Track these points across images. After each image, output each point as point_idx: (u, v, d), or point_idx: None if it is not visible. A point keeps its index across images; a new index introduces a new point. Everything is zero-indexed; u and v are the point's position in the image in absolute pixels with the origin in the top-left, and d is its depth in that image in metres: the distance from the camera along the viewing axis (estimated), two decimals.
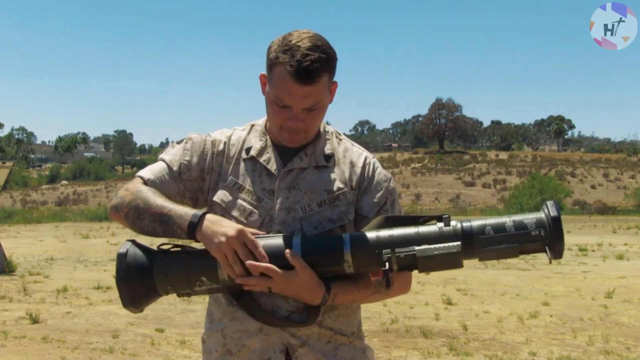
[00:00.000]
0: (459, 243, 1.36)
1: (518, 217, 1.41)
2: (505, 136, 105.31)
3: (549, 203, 1.41)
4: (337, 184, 1.58)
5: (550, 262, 1.43)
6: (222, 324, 1.58)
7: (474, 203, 44.14)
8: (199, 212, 1.46)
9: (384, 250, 1.39)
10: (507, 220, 1.40)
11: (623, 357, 5.52)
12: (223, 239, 1.40)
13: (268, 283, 1.42)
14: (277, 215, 1.54)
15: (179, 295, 1.52)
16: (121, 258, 1.45)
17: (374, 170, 1.62)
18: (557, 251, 1.38)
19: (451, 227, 1.40)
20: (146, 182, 1.55)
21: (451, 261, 1.36)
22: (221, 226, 1.42)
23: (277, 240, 1.44)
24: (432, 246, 1.37)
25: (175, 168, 1.58)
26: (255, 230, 1.47)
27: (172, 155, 1.60)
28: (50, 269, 11.78)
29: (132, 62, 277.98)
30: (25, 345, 5.87)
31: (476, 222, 1.41)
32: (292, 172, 1.57)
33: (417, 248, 1.37)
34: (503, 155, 74.43)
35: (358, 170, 1.61)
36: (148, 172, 1.58)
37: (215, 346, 1.59)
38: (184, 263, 1.45)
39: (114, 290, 9.16)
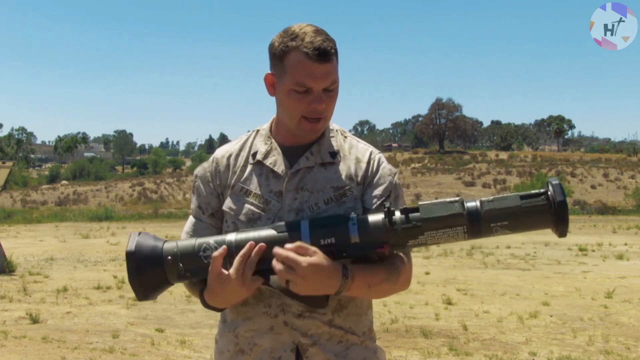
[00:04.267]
0: (460, 203, 1.41)
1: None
2: (505, 136, 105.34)
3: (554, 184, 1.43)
4: (344, 180, 1.58)
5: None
6: (235, 324, 1.59)
7: None
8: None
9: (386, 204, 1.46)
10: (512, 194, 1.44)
11: (623, 357, 5.52)
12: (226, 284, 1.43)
13: (289, 275, 1.38)
14: (285, 217, 1.54)
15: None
16: (130, 256, 1.45)
17: (378, 165, 1.63)
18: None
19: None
20: None
21: (452, 217, 1.40)
22: (216, 288, 1.46)
23: (282, 229, 1.45)
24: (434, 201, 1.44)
25: (204, 213, 1.65)
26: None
27: (193, 204, 1.68)
28: (50, 269, 11.77)
29: (133, 62, 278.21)
30: (25, 345, 5.86)
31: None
32: (299, 173, 1.58)
33: (420, 203, 1.44)
34: (503, 155, 74.39)
35: (363, 165, 1.62)
36: (184, 235, 1.67)
37: (227, 346, 1.60)
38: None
39: (114, 290, 9.17)
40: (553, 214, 1.39)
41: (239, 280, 1.41)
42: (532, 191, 1.42)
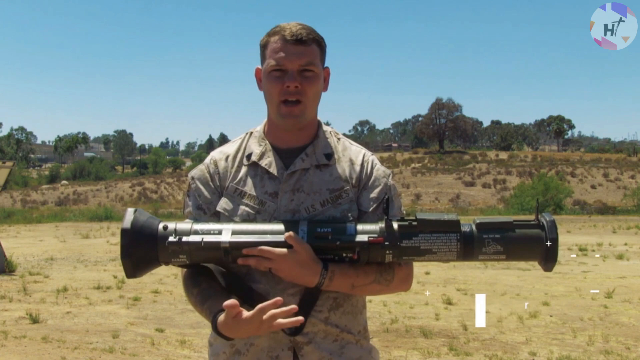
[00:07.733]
0: (456, 215, 1.49)
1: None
2: (505, 136, 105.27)
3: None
4: (339, 182, 1.60)
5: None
6: None
7: (474, 203, 44.11)
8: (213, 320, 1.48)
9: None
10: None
11: (623, 357, 5.53)
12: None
13: (267, 263, 1.45)
14: (281, 217, 1.56)
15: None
16: (125, 234, 1.47)
17: (372, 167, 1.64)
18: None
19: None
20: None
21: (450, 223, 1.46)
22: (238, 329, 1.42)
23: (280, 227, 1.49)
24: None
25: (205, 213, 1.63)
26: (232, 302, 1.40)
27: (190, 206, 1.65)
28: (50, 269, 11.77)
29: (132, 62, 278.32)
30: (25, 345, 5.87)
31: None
32: (295, 174, 1.59)
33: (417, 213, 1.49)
34: (503, 155, 74.30)
35: (357, 167, 1.63)
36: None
37: (223, 347, 1.61)
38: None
39: (114, 290, 9.17)
40: (544, 249, 1.46)
41: (255, 327, 1.39)
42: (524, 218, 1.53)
